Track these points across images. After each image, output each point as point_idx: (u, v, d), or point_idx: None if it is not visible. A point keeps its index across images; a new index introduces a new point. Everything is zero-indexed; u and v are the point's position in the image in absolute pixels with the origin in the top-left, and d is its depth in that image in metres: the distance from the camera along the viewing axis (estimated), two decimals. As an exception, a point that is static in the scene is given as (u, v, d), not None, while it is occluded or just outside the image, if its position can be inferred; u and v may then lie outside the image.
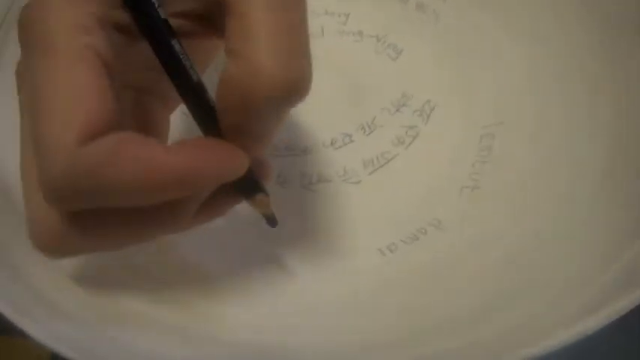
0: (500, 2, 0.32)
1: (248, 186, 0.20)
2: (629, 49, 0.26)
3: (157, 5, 0.16)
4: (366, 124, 0.30)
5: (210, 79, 0.18)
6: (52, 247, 0.17)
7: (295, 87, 0.16)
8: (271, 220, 0.22)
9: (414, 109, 0.30)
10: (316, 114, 0.29)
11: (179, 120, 0.24)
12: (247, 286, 0.23)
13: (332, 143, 0.29)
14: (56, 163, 0.15)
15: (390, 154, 0.29)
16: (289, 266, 0.24)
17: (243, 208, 0.20)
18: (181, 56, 0.17)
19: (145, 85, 0.20)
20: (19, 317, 0.16)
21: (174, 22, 0.17)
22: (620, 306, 0.16)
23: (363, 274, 0.24)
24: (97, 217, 0.17)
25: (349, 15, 0.34)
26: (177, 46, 0.16)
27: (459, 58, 0.32)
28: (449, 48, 0.32)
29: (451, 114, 0.30)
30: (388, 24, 0.33)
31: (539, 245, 0.23)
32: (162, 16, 0.16)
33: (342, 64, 0.31)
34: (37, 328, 0.16)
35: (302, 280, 0.24)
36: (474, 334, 0.18)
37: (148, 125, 0.20)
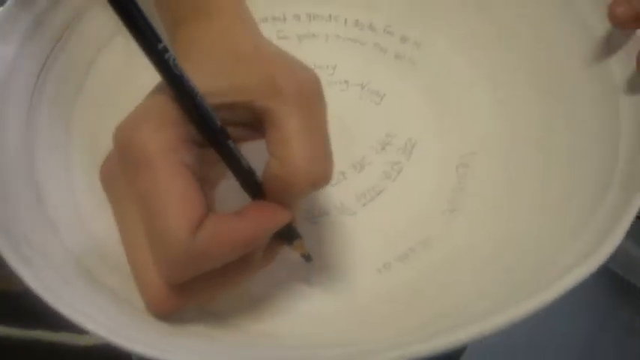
0: (469, 47, 0.40)
1: (289, 234, 0.27)
2: (574, 86, 0.33)
3: (218, 124, 0.23)
4: (357, 163, 0.37)
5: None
6: (165, 311, 0.24)
7: (322, 181, 0.24)
8: (307, 257, 0.29)
9: (398, 147, 0.37)
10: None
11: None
12: (271, 302, 0.29)
13: (328, 182, 0.36)
14: (175, 251, 0.22)
15: (380, 188, 0.36)
16: (303, 287, 0.31)
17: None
18: (236, 153, 0.24)
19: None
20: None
21: (230, 130, 0.24)
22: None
23: (365, 290, 0.31)
24: (198, 281, 0.23)
25: (336, 66, 0.41)
26: (232, 146, 0.24)
27: (435, 99, 0.39)
28: (425, 90, 0.40)
29: (430, 148, 0.37)
30: (371, 72, 0.41)
31: (508, 253, 0.30)
32: (219, 124, 0.24)
33: (333, 110, 0.38)
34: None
35: (314, 297, 0.30)
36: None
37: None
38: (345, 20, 0.43)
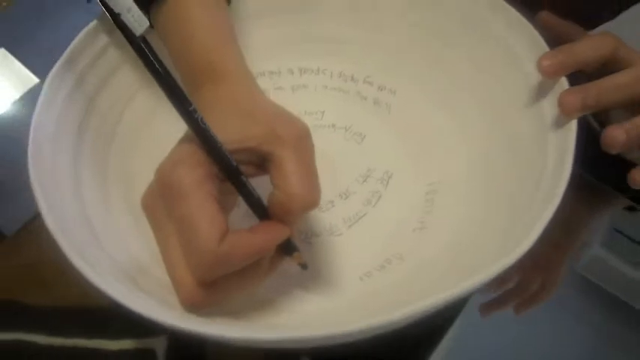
0: (434, 93, 0.48)
1: (289, 247, 0.35)
2: (516, 126, 0.42)
3: (234, 164, 0.32)
4: (343, 192, 0.45)
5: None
6: (196, 305, 0.32)
7: (313, 206, 0.32)
8: (303, 266, 0.37)
9: (377, 178, 0.46)
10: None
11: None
12: (277, 303, 0.37)
13: (319, 208, 0.43)
14: (205, 256, 0.30)
15: (362, 212, 0.44)
16: (301, 290, 0.38)
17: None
18: (248, 185, 0.33)
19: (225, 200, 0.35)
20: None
21: (243, 168, 0.33)
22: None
23: (350, 292, 0.39)
24: (221, 281, 0.32)
25: (324, 112, 0.50)
26: (245, 180, 0.32)
27: (407, 138, 0.48)
28: (399, 131, 0.48)
29: (403, 178, 0.45)
30: (353, 117, 0.49)
31: (464, 261, 0.37)
32: (235, 164, 0.32)
33: (322, 150, 0.45)
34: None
35: (309, 300, 0.38)
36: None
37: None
38: (331, 73, 0.51)
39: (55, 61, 0.40)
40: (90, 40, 0.42)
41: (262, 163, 0.33)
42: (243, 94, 0.36)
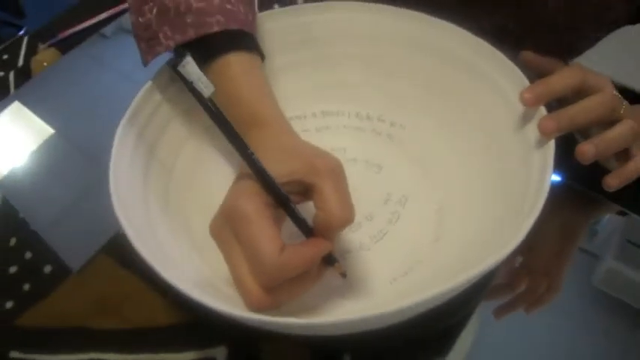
0: (439, 125, 0.57)
1: (330, 259, 0.44)
2: (507, 148, 0.51)
3: (285, 194, 0.41)
4: (368, 215, 0.54)
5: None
6: (262, 308, 0.40)
7: (350, 221, 0.41)
8: (343, 275, 0.45)
9: (395, 201, 0.55)
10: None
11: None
12: (320, 307, 0.46)
13: (349, 229, 0.52)
14: (269, 266, 0.38)
15: (385, 230, 0.53)
16: (340, 296, 0.47)
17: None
18: (296, 210, 0.42)
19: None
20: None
21: (291, 196, 0.42)
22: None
23: (381, 295, 0.47)
24: (281, 287, 0.40)
25: (346, 148, 0.59)
26: (293, 206, 0.42)
27: (419, 165, 0.57)
28: (411, 160, 0.57)
29: (417, 199, 0.54)
30: (371, 151, 0.59)
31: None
32: (285, 194, 0.41)
33: (348, 181, 0.52)
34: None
35: (346, 304, 0.47)
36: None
37: None
38: (349, 114, 0.61)
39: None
40: (147, 97, 0.52)
41: (305, 191, 0.43)
42: (283, 137, 0.46)
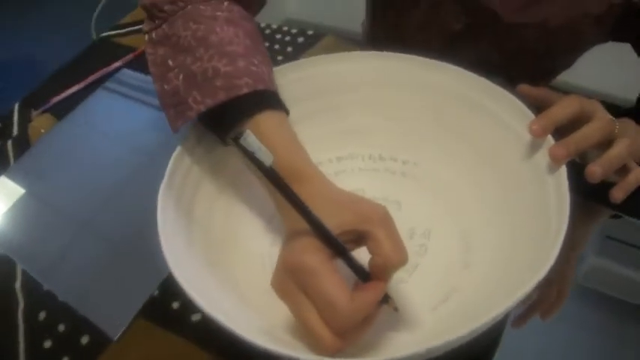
0: (450, 160, 0.62)
1: (385, 297, 0.47)
2: (519, 175, 0.56)
3: (342, 244, 0.45)
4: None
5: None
6: (337, 351, 0.43)
7: (405, 262, 0.45)
8: (395, 309, 0.49)
9: (420, 234, 0.59)
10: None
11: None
12: (375, 341, 0.50)
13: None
14: (344, 312, 0.42)
15: (416, 263, 0.57)
16: (391, 330, 0.51)
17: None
18: (353, 258, 0.46)
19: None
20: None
21: (347, 245, 0.46)
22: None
23: (426, 322, 0.51)
24: (350, 330, 0.44)
25: (364, 189, 0.63)
26: (350, 254, 0.45)
27: (435, 198, 0.61)
28: (427, 193, 0.62)
29: (441, 230, 0.59)
30: (388, 189, 0.63)
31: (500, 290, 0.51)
32: (342, 244, 0.45)
33: None
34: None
35: (398, 334, 0.51)
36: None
37: None
38: (362, 156, 0.66)
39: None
40: (179, 162, 0.55)
41: (358, 239, 0.47)
42: (326, 189, 0.49)
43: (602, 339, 0.67)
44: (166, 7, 0.56)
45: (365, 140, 0.66)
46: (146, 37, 0.58)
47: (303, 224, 0.45)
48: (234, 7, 0.58)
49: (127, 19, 1.08)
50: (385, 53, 0.64)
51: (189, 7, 0.56)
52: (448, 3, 0.79)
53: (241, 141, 0.41)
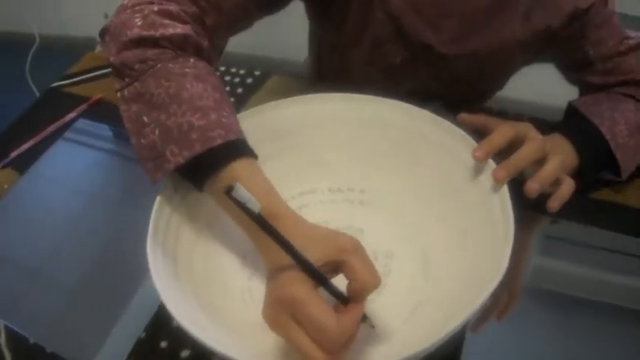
0: (405, 185, 0.69)
1: (364, 317, 0.54)
2: (467, 194, 0.63)
3: (324, 275, 0.51)
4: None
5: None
6: None
7: (379, 285, 0.52)
8: (372, 326, 0.56)
9: (383, 256, 0.66)
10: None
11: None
12: (356, 355, 0.56)
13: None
14: (334, 335, 0.48)
15: (384, 282, 0.61)
16: (367, 344, 0.57)
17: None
18: (332, 285, 0.52)
19: None
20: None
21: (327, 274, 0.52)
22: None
23: (397, 332, 0.58)
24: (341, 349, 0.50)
25: (327, 221, 0.68)
26: (330, 282, 0.52)
27: (394, 223, 0.69)
28: (386, 218, 0.69)
29: (402, 250, 0.66)
30: (350, 219, 0.70)
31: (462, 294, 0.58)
32: (324, 274, 0.52)
33: None
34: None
35: (375, 347, 0.57)
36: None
37: None
38: (322, 190, 0.72)
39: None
40: (160, 212, 0.60)
41: (335, 268, 0.53)
42: (302, 227, 0.56)
43: (550, 331, 0.73)
44: (137, 66, 0.61)
45: (323, 175, 0.73)
46: (118, 94, 0.62)
47: (286, 260, 0.51)
48: (200, 63, 0.64)
49: (75, 68, 1.11)
50: (339, 95, 0.72)
51: (158, 65, 0.61)
52: (388, 40, 0.87)
53: (233, 194, 0.47)
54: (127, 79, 0.62)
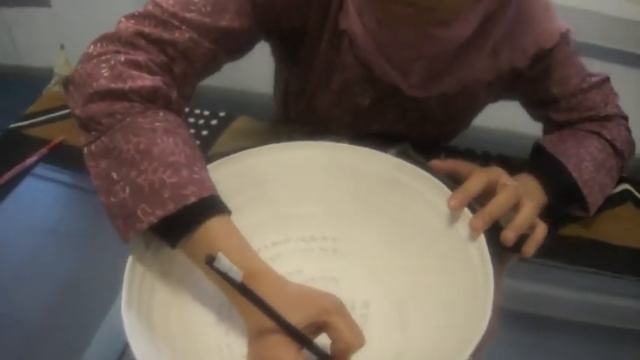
0: (377, 234, 0.70)
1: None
2: (442, 242, 0.64)
3: (307, 336, 0.52)
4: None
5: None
6: None
7: (362, 345, 0.53)
8: None
9: (360, 306, 0.66)
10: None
11: None
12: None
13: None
14: None
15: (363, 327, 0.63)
16: None
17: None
18: (315, 344, 0.53)
19: None
20: None
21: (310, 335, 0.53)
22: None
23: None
24: None
25: (301, 270, 0.70)
26: (313, 342, 0.53)
27: (368, 271, 0.69)
28: (361, 267, 0.70)
29: (378, 300, 0.67)
30: (324, 267, 0.71)
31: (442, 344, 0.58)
32: (307, 335, 0.52)
33: None
34: None
35: None
36: None
37: None
38: (295, 239, 0.72)
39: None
40: (133, 270, 0.59)
41: (318, 329, 0.53)
42: (281, 286, 0.56)
43: (512, 352, 0.74)
44: (104, 120, 0.60)
45: (296, 223, 0.73)
46: (85, 149, 0.61)
47: (268, 323, 0.51)
48: (170, 116, 0.64)
49: (33, 107, 1.09)
50: (309, 143, 0.72)
51: (127, 119, 0.60)
52: (357, 83, 0.89)
53: (215, 264, 0.47)
54: (93, 133, 0.61)
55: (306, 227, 0.73)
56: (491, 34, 0.78)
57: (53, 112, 1.07)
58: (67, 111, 1.05)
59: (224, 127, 0.99)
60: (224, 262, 0.47)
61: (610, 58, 1.98)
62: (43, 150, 0.98)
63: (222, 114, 1.01)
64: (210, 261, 0.46)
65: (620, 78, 0.97)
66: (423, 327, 0.63)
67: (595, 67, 0.90)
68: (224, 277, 0.47)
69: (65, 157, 0.97)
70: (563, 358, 0.71)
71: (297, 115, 1.03)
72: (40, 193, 0.92)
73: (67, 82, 0.65)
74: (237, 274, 0.48)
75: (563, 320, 0.75)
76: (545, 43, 0.82)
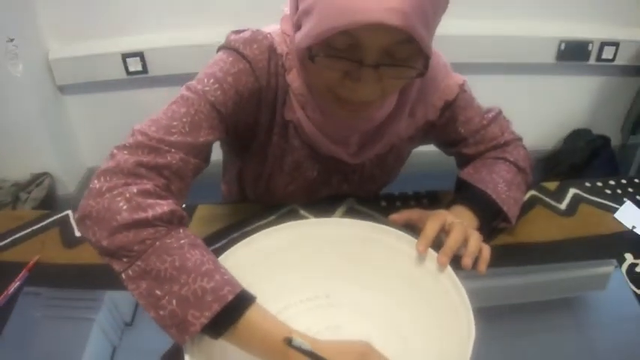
0: (377, 288, 0.87)
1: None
2: (421, 279, 0.83)
3: None
4: None
5: None
6: None
7: None
8: None
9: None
10: None
11: None
12: None
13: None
14: None
15: None
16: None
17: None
18: None
19: None
20: None
21: None
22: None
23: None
24: None
25: (309, 327, 0.84)
26: None
27: (362, 314, 0.87)
28: (354, 314, 0.87)
29: (377, 333, 0.82)
30: (326, 320, 0.86)
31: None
32: None
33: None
34: None
35: None
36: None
37: None
38: (295, 303, 0.89)
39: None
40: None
41: None
42: (321, 345, 0.70)
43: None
44: (136, 247, 0.71)
45: (292, 290, 0.90)
46: (122, 275, 0.72)
47: None
48: (187, 232, 0.77)
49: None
50: (292, 223, 0.91)
51: (157, 243, 0.72)
52: (305, 161, 1.07)
53: (293, 343, 0.65)
54: (125, 260, 0.71)
55: (301, 291, 0.90)
56: (408, 101, 1.00)
57: (16, 233, 1.11)
58: (31, 229, 1.12)
59: (189, 217, 1.11)
60: (300, 341, 0.64)
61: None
62: (23, 272, 1.00)
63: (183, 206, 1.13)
64: (289, 342, 0.63)
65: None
66: (421, 341, 0.80)
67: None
68: (306, 352, 0.64)
69: (44, 276, 1.01)
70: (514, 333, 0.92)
71: (257, 197, 1.18)
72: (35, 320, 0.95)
73: (81, 217, 0.74)
74: (307, 345, 0.65)
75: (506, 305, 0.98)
76: (449, 95, 1.05)
